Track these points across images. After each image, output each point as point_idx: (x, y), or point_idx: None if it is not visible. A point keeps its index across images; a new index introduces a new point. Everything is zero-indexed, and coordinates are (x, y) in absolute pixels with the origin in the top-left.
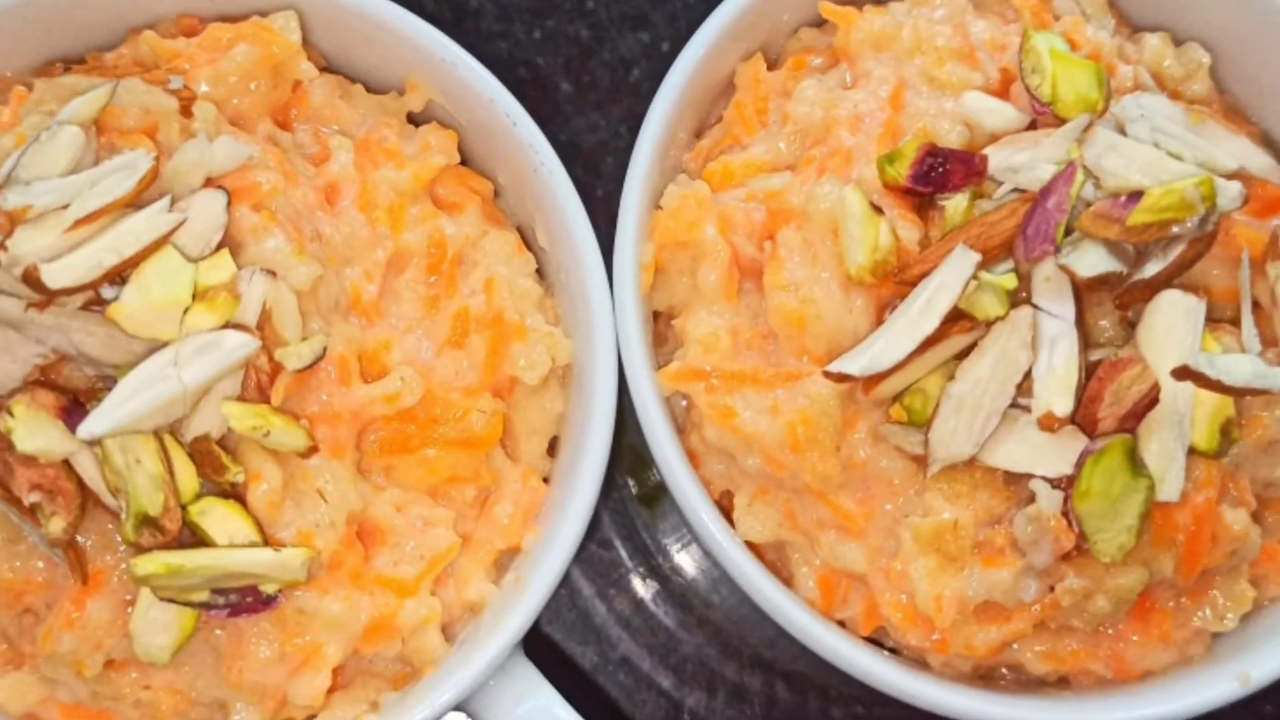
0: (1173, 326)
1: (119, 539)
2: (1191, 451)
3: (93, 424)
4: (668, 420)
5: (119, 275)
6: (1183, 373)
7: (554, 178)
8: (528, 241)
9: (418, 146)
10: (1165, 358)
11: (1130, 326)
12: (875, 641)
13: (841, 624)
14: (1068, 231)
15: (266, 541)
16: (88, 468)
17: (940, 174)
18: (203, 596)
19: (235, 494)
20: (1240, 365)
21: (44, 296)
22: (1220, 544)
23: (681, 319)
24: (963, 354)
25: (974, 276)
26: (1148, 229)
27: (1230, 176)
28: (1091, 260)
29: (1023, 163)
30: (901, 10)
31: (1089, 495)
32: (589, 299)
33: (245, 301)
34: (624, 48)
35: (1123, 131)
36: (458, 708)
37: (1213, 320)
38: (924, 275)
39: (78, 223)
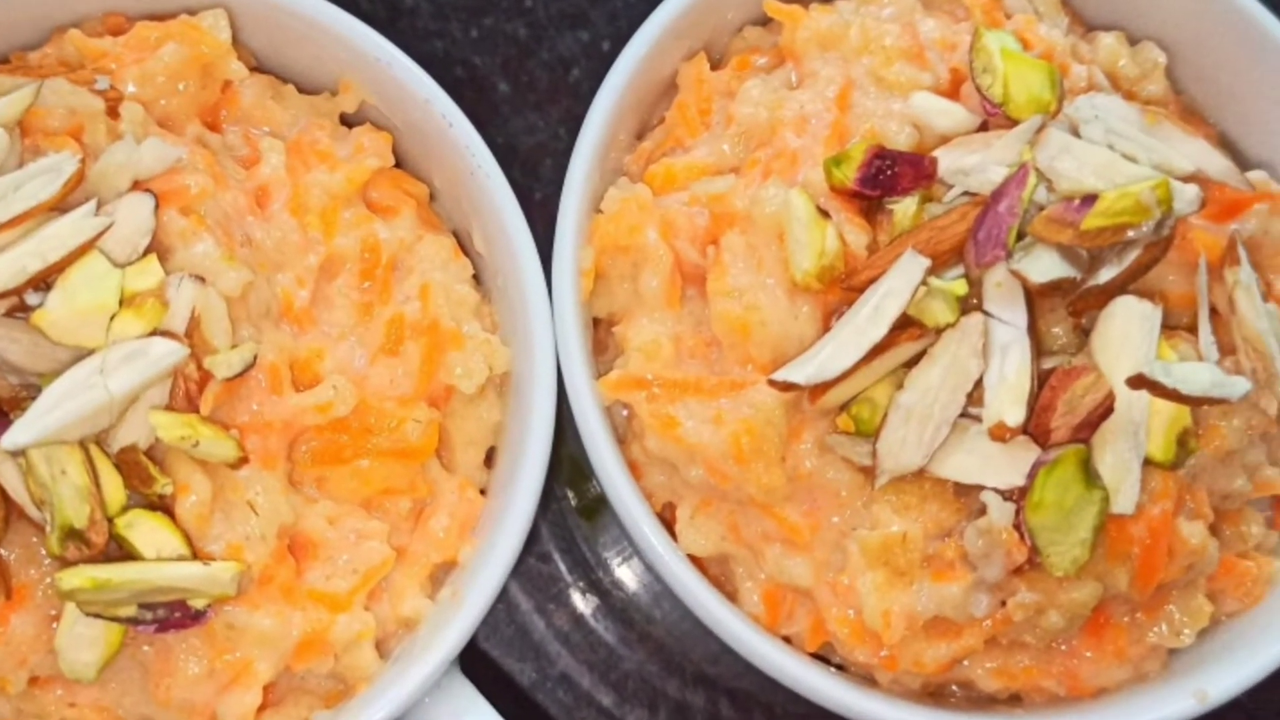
0: (1128, 334)
1: (44, 552)
2: (1147, 462)
3: (16, 434)
4: (608, 430)
5: (43, 281)
6: (1138, 381)
7: (491, 180)
8: (464, 246)
9: (351, 148)
10: (1120, 366)
11: (1084, 334)
12: (822, 658)
13: (787, 640)
14: (1019, 236)
15: (195, 555)
16: (11, 479)
17: (888, 177)
18: (130, 612)
19: (163, 506)
20: (1197, 374)
21: None
22: (1177, 558)
23: (622, 326)
24: (912, 362)
25: (923, 282)
26: (1102, 233)
27: (1187, 179)
28: (1044, 265)
29: (973, 165)
30: (849, 8)
31: (1041, 507)
32: (527, 305)
33: (173, 308)
34: (563, 47)
35: (1076, 133)
36: None
37: (1169, 327)
38: (872, 281)
39: (0, 227)
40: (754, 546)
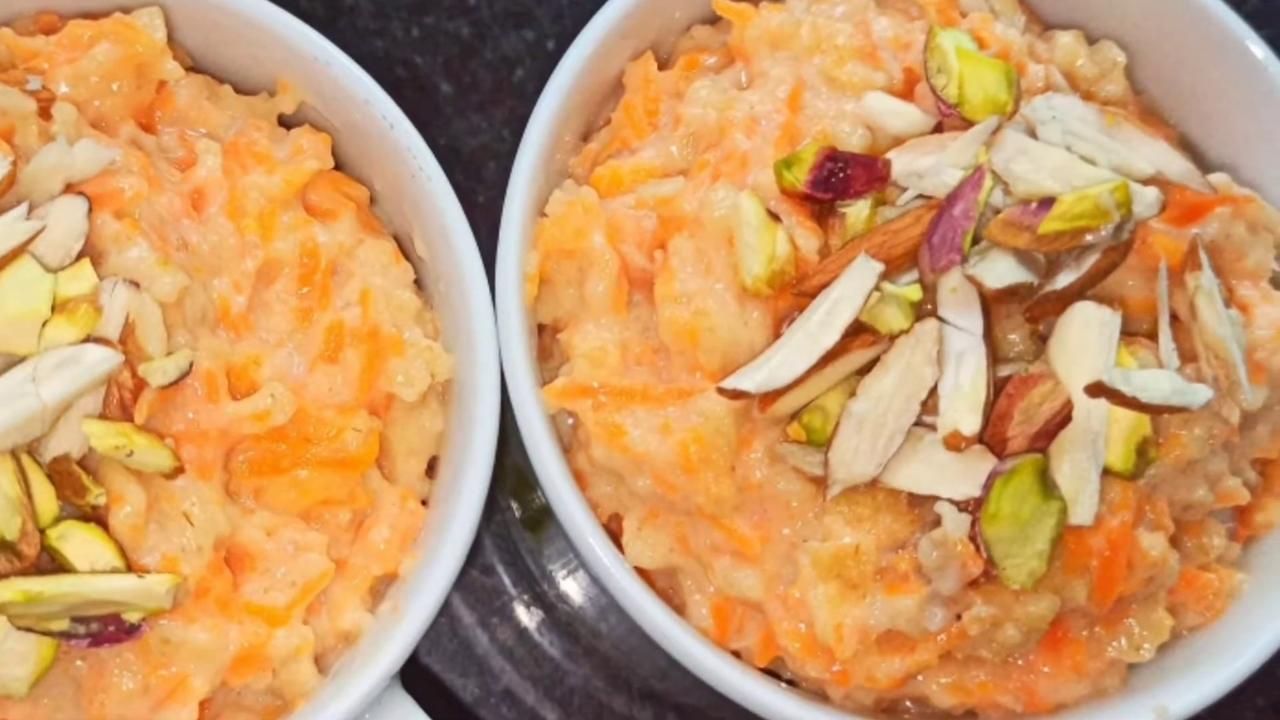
0: (1086, 340)
1: None
2: (1106, 472)
3: None
4: (553, 439)
5: None
6: (1097, 389)
7: (433, 183)
8: (405, 251)
9: (289, 150)
10: (1078, 373)
11: (1041, 340)
12: (772, 673)
13: (737, 654)
14: (975, 240)
15: (129, 567)
16: None
17: (841, 179)
18: (62, 625)
19: (96, 517)
20: (1157, 381)
21: None
22: (1136, 570)
23: (568, 332)
24: (864, 369)
25: (876, 288)
26: (1060, 237)
27: (1147, 182)
28: (1000, 270)
29: (928, 167)
30: (800, 7)
31: (998, 518)
32: (470, 311)
33: (107, 314)
34: (507, 46)
35: (1033, 134)
36: None
37: (1128, 334)
38: (824, 286)
39: None
40: (703, 558)
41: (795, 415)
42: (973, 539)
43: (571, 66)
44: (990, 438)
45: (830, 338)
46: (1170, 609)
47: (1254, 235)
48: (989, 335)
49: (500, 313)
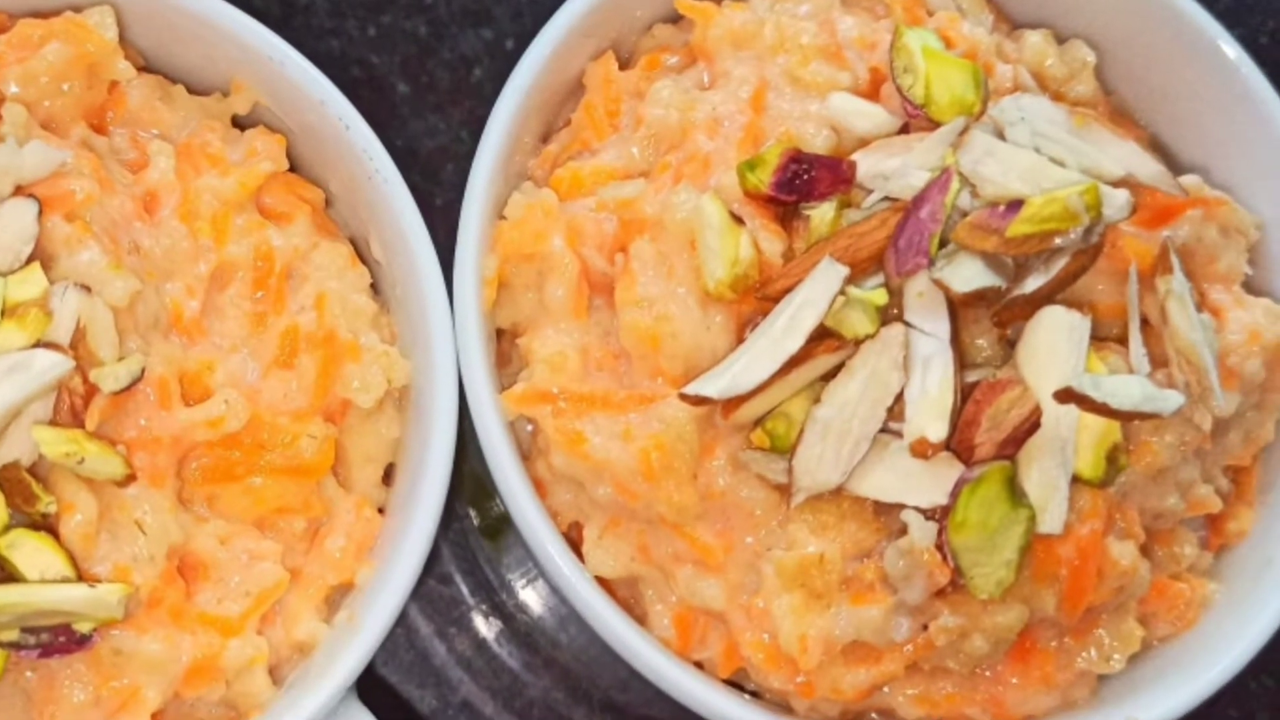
0: (1055, 345)
1: None
2: (1075, 480)
3: None
4: (512, 446)
5: None
6: (1066, 395)
7: (389, 185)
8: (361, 254)
9: (243, 152)
10: (1047, 379)
11: (1009, 345)
12: (735, 684)
13: (699, 665)
14: (942, 243)
15: (80, 576)
16: None
17: (805, 181)
18: (12, 636)
19: (47, 526)
20: (1128, 387)
21: None
22: (1106, 579)
23: (527, 337)
24: (829, 375)
25: (841, 292)
26: (1028, 240)
27: (1117, 184)
28: (967, 274)
29: (894, 169)
30: (763, 5)
31: (965, 527)
32: (427, 316)
33: (58, 319)
34: (465, 46)
35: (1001, 136)
36: None
37: (1098, 339)
38: (788, 290)
39: None
40: (665, 568)
41: (759, 422)
42: (939, 548)
43: (531, 66)
44: (957, 445)
45: (794, 343)
46: (1141, 619)
47: (1226, 238)
48: (956, 340)
49: (458, 317)
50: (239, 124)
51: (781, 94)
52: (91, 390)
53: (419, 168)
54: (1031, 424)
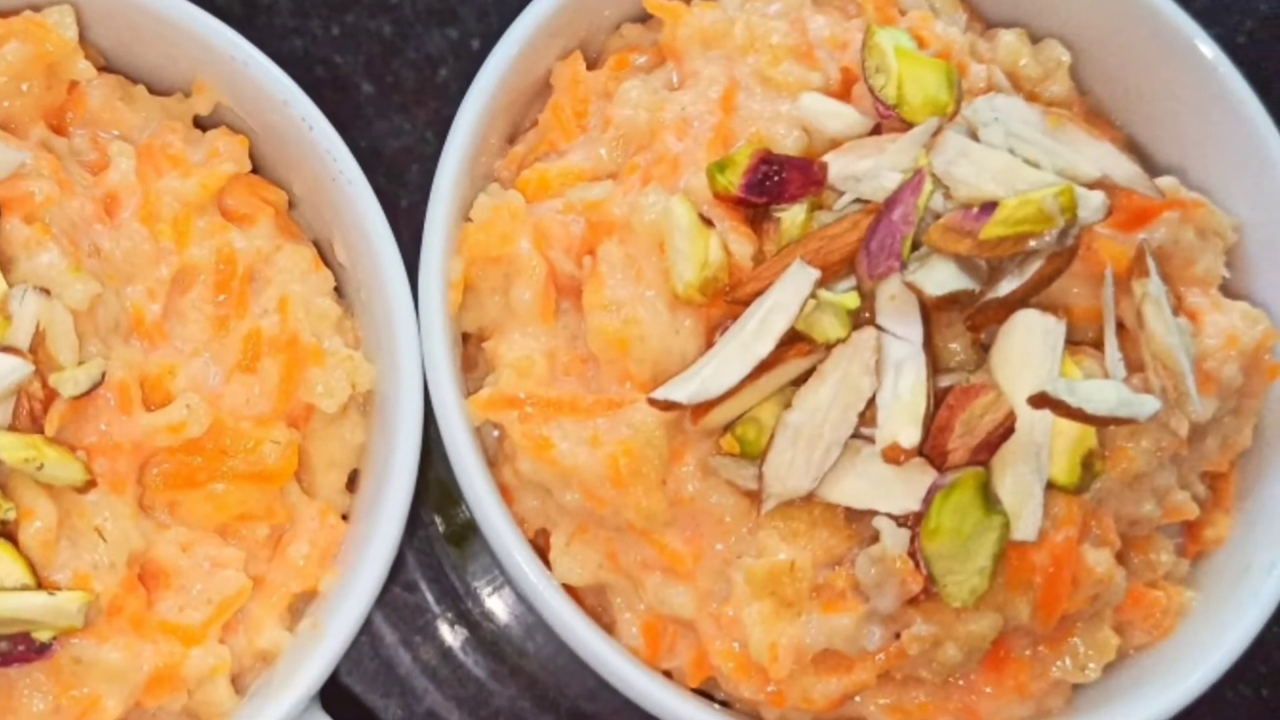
0: (1029, 350)
1: None
2: (1050, 486)
3: None
4: (478, 452)
5: None
6: (1040, 400)
7: (354, 187)
8: (325, 257)
9: (205, 153)
10: (1021, 384)
11: (983, 349)
12: (705, 694)
13: (668, 674)
14: (915, 246)
15: (40, 584)
16: None
17: (776, 183)
18: None
19: (5, 533)
20: (1103, 392)
21: None
22: (1081, 587)
23: (493, 341)
24: (800, 379)
25: (812, 295)
26: (1002, 243)
27: (1092, 185)
28: (940, 277)
29: (866, 171)
30: (733, 4)
31: (938, 534)
32: (392, 320)
33: (16, 322)
34: (430, 45)
35: (975, 136)
36: None
37: (1073, 343)
38: (758, 294)
39: None
40: (633, 575)
41: (728, 427)
42: (912, 555)
43: (497, 66)
44: (930, 450)
45: (764, 347)
46: (1116, 627)
47: (1203, 241)
48: (929, 344)
49: (423, 321)
50: (201, 125)
51: (752, 94)
52: (51, 395)
53: (383, 169)
54: (1005, 429)
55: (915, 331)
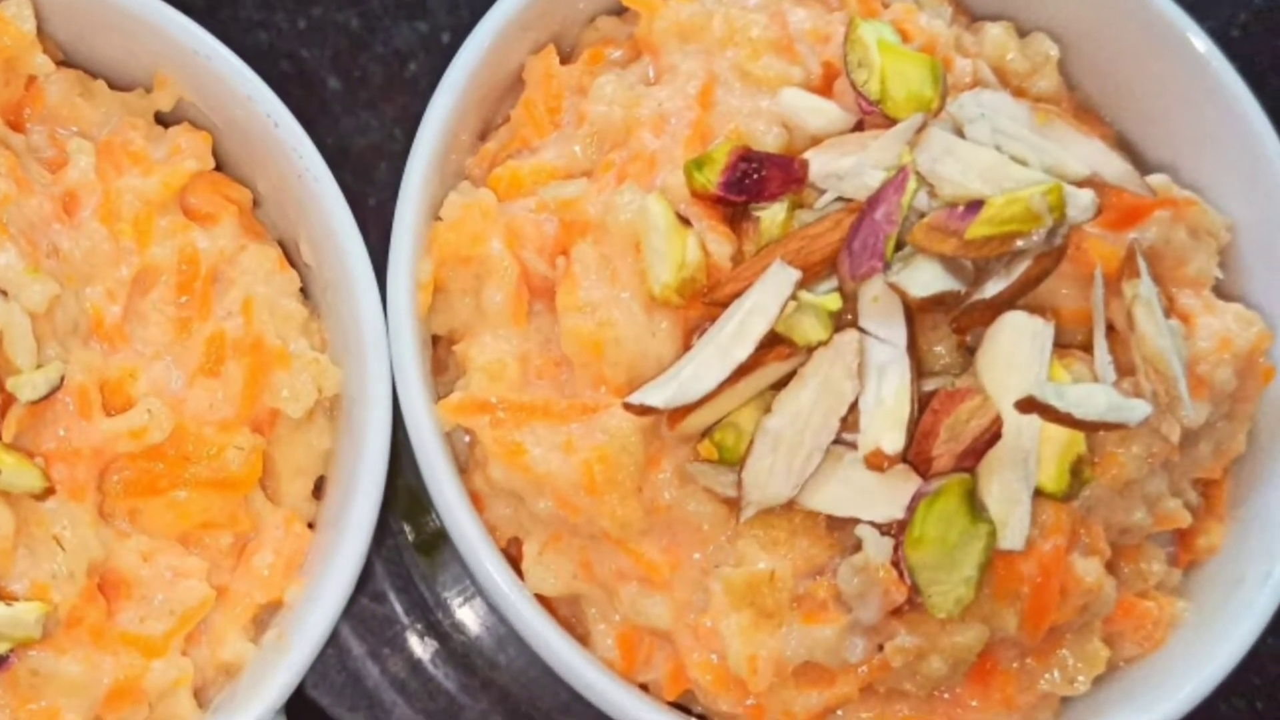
0: (1016, 352)
1: None
2: (1038, 493)
3: None
4: (448, 458)
5: None
6: (1028, 404)
7: (320, 185)
8: (291, 257)
9: (167, 150)
10: (1008, 388)
11: (969, 353)
12: (682, 707)
13: (644, 687)
14: (898, 246)
15: None
16: None
17: (755, 181)
18: None
19: None
20: (1092, 396)
21: None
22: (1070, 598)
23: (464, 344)
24: (780, 384)
25: (793, 296)
26: (988, 243)
27: (1081, 184)
28: (925, 278)
29: (848, 168)
30: None
31: (922, 542)
32: (359, 322)
33: None
34: (399, 39)
35: (960, 133)
36: None
37: (1061, 346)
38: (737, 295)
39: None
40: (608, 585)
41: (706, 433)
42: (896, 564)
43: (468, 61)
44: (914, 456)
45: (744, 350)
46: (1106, 639)
47: (1195, 240)
48: (913, 347)
49: (392, 323)
50: (162, 121)
51: (730, 89)
52: (8, 400)
53: (351, 166)
54: (992, 435)
55: (899, 334)
